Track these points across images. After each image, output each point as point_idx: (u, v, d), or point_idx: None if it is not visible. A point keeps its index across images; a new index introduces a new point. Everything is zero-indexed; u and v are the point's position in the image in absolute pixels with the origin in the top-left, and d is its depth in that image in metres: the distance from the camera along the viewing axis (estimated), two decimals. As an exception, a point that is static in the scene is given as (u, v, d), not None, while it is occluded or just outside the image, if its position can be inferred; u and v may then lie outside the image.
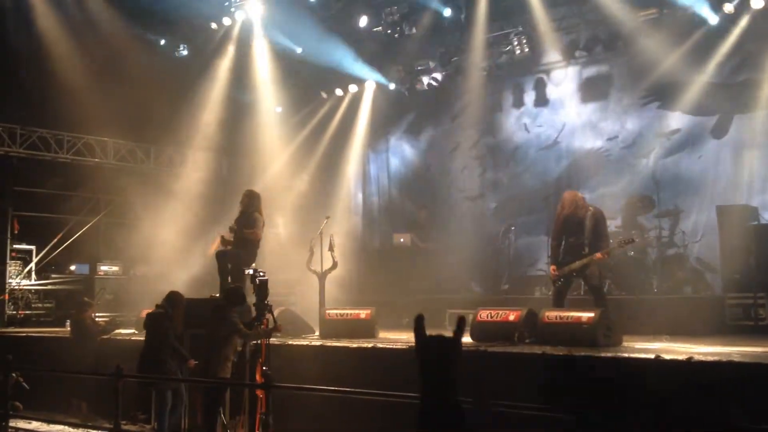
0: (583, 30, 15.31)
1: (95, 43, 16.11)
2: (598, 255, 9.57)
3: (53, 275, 16.56)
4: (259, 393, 8.67)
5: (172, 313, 9.52)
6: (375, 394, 7.19)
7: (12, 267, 16.05)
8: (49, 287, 16.27)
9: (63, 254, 17.02)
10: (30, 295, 15.95)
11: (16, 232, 16.38)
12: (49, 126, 16.54)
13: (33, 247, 16.59)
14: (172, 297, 9.67)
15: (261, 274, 9.34)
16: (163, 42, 17.97)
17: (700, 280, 12.93)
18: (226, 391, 9.06)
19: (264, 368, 8.71)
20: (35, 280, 16.30)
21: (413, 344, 8.89)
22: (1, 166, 16.29)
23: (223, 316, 8.93)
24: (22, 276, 16.09)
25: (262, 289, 9.22)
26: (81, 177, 17.35)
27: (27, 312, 15.64)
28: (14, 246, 16.30)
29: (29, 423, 10.45)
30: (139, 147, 18.07)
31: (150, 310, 9.86)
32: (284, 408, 7.81)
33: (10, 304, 15.47)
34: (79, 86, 15.74)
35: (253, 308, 9.36)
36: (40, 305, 16.04)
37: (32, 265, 16.43)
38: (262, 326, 8.95)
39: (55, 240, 16.88)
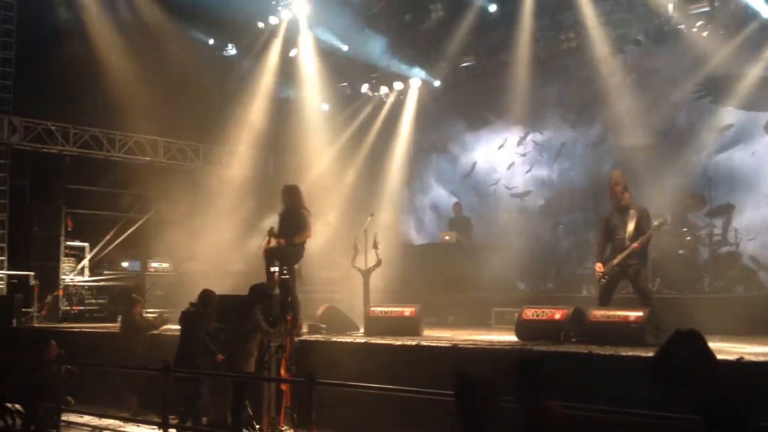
0: (632, 24, 15.07)
1: (145, 44, 16.40)
2: (636, 244, 9.40)
3: (106, 272, 16.93)
4: (284, 387, 8.91)
5: (204, 312, 9.79)
6: (418, 392, 7.19)
7: (66, 264, 16.47)
8: (102, 283, 16.62)
9: (115, 251, 17.39)
10: (83, 291, 16.31)
11: (69, 229, 16.81)
12: (101, 125, 16.90)
13: (86, 244, 16.99)
14: (204, 295, 9.98)
15: (285, 272, 9.46)
16: (211, 42, 18.21)
17: (753, 279, 12.62)
18: (250, 385, 9.23)
19: (288, 364, 8.97)
20: (88, 277, 16.68)
21: (457, 343, 8.90)
22: (54, 164, 16.74)
23: (247, 312, 9.15)
24: (75, 272, 16.49)
25: (284, 288, 9.34)
26: (132, 175, 17.70)
27: (80, 308, 16.01)
28: (68, 243, 16.73)
29: (81, 417, 10.69)
30: (188, 145, 18.35)
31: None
32: (329, 404, 7.84)
33: (64, 300, 15.85)
34: (129, 86, 16.05)
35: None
36: (93, 301, 16.39)
37: (85, 261, 16.83)
38: (287, 325, 9.10)
39: (108, 237, 17.25)
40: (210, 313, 9.97)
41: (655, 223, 9.89)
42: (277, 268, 9.71)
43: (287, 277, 9.47)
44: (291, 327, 9.16)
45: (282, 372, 9.09)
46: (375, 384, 7.66)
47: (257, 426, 9.27)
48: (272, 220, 11.69)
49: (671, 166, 14.66)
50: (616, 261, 9.52)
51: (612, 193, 9.81)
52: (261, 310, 9.25)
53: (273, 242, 10.66)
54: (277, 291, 10.34)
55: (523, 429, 4.84)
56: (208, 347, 9.71)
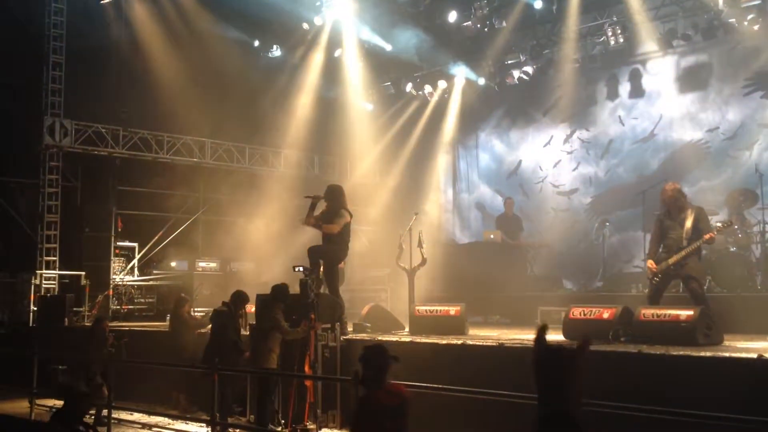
0: (681, 18, 14.82)
1: (192, 47, 16.62)
2: (706, 236, 9.21)
3: (154, 271, 17.18)
4: (308, 383, 9.16)
5: (235, 311, 10.12)
6: (464, 391, 7.14)
7: (116, 263, 16.77)
8: (151, 283, 16.88)
9: (164, 251, 17.65)
10: (133, 291, 16.58)
11: (119, 229, 17.10)
12: (150, 127, 17.17)
13: (135, 244, 17.27)
14: (236, 296, 10.35)
15: (307, 273, 9.56)
16: (256, 43, 18.36)
17: (808, 277, 12.27)
18: (274, 381, 9.50)
19: (311, 360, 9.18)
20: (138, 276, 16.95)
21: (503, 342, 8.83)
22: (105, 166, 17.05)
23: (268, 311, 9.50)
24: (125, 272, 16.77)
25: (303, 288, 9.47)
26: (180, 176, 17.96)
27: (130, 307, 16.27)
28: (118, 243, 17.02)
29: (131, 414, 10.86)
30: (234, 147, 18.53)
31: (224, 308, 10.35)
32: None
33: (114, 299, 16.13)
34: (178, 89, 16.28)
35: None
36: (142, 300, 16.65)
37: (135, 261, 17.10)
38: (310, 323, 9.25)
39: (156, 237, 17.52)
40: (240, 313, 10.27)
41: (718, 224, 9.66)
42: (301, 268, 9.77)
43: (306, 279, 9.57)
44: (308, 328, 9.27)
45: (306, 369, 9.26)
46: (420, 383, 7.62)
47: (282, 421, 9.43)
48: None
49: (722, 162, 14.39)
50: (672, 261, 9.32)
51: (667, 203, 9.61)
52: (282, 309, 9.53)
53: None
54: (323, 290, 10.43)
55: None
56: (238, 345, 9.97)
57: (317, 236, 10.88)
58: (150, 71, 16.40)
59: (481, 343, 9.12)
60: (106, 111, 16.72)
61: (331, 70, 18.08)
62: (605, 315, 9.05)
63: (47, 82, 16.06)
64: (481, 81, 17.77)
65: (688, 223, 9.34)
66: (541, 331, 4.20)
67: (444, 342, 9.32)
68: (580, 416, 3.89)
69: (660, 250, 9.58)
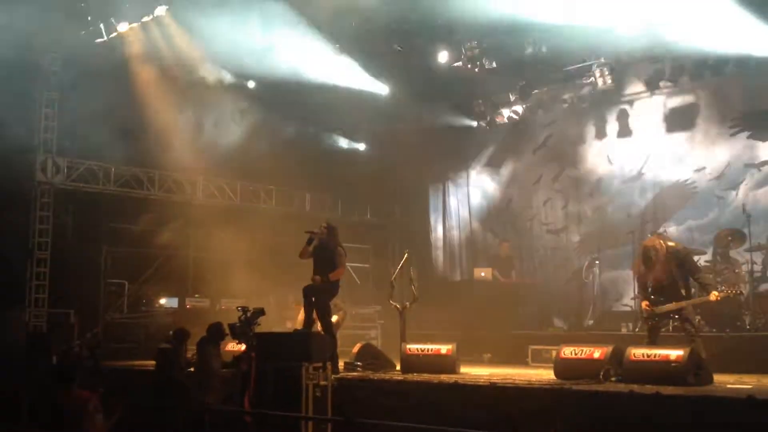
0: (668, 60, 15.05)
1: (186, 86, 16.72)
2: (714, 296, 9.32)
3: (144, 308, 17.07)
4: (247, 419, 9.15)
5: (179, 348, 10.18)
6: (457, 431, 7.13)
7: (105, 301, 16.64)
8: (140, 320, 16.76)
9: (153, 288, 17.54)
10: (122, 328, 16.45)
11: (109, 267, 17.00)
12: (141, 164, 17.18)
13: (125, 282, 17.17)
14: (179, 333, 10.41)
15: (247, 313, 9.61)
16: (251, 84, 18.44)
17: (796, 317, 12.34)
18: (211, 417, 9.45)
19: (251, 396, 9.14)
20: (126, 314, 16.83)
21: (495, 381, 8.83)
22: (96, 203, 16.99)
23: (203, 350, 9.74)
24: (114, 309, 16.66)
25: (231, 330, 9.54)
26: (171, 213, 17.89)
27: (118, 345, 16.12)
28: (108, 280, 16.92)
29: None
30: (226, 184, 18.56)
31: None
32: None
33: (102, 336, 15.98)
34: (169, 125, 16.35)
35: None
36: (131, 338, 16.51)
37: (124, 298, 17.01)
38: (250, 361, 9.28)
39: (146, 274, 17.44)
40: (183, 350, 10.41)
41: (723, 288, 9.76)
42: (240, 308, 9.76)
43: (249, 316, 9.60)
44: (249, 362, 9.29)
45: (246, 404, 9.20)
46: (412, 422, 7.61)
47: None
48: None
49: (709, 201, 14.54)
50: (671, 308, 9.39)
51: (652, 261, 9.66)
52: (217, 347, 9.80)
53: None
54: (318, 328, 10.45)
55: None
56: (184, 383, 10.02)
57: (309, 273, 10.92)
58: (143, 109, 16.45)
59: (472, 383, 9.13)
60: (98, 149, 16.71)
61: (324, 109, 18.19)
62: (596, 354, 9.12)
63: (40, 119, 16.05)
64: (472, 120, 17.94)
65: (676, 269, 9.42)
66: None
67: (436, 381, 9.33)
68: None
69: (652, 291, 9.63)
